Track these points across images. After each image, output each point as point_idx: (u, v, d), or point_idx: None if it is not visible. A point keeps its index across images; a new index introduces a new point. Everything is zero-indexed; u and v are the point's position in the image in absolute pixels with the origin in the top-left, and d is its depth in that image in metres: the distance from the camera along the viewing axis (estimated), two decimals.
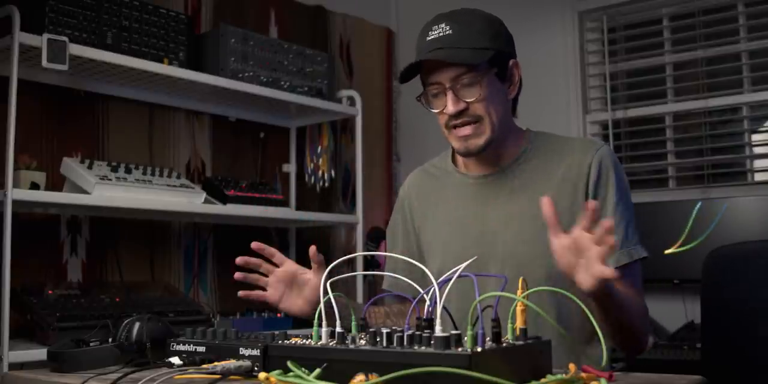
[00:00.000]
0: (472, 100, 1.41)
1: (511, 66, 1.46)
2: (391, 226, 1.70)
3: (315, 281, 1.43)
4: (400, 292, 1.57)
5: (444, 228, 1.54)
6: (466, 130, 1.43)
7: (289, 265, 1.48)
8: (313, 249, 1.43)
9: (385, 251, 1.73)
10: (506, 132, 1.49)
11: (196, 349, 1.12)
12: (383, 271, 1.71)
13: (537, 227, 1.44)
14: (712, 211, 2.83)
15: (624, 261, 1.40)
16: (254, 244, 1.49)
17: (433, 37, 1.42)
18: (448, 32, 1.40)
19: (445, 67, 1.41)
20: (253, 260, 1.48)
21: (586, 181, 1.45)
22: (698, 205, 1.18)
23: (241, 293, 1.44)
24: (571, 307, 1.41)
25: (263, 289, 1.48)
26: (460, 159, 1.60)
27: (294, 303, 1.46)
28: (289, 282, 1.47)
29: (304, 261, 1.48)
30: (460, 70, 1.40)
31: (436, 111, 1.45)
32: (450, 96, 1.41)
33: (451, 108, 1.41)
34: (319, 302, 1.43)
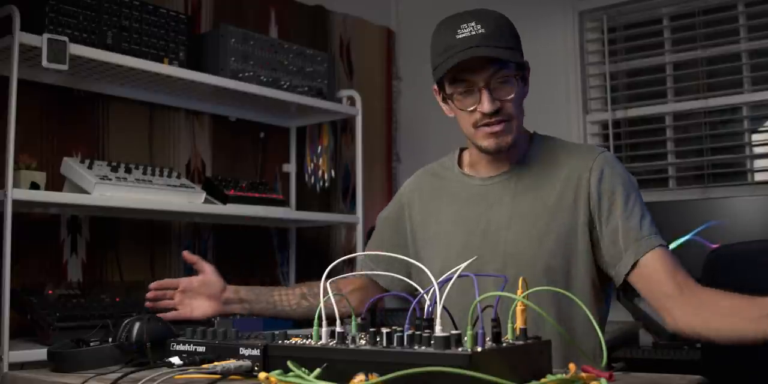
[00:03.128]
0: (507, 98, 1.41)
1: (528, 68, 1.48)
2: (384, 215, 1.71)
3: (209, 277, 1.59)
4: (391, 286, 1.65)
5: (447, 227, 1.55)
6: (499, 127, 1.43)
7: (194, 279, 1.61)
8: (185, 253, 1.62)
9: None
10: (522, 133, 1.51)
11: (196, 349, 1.12)
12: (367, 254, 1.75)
13: (539, 228, 1.45)
14: (712, 212, 2.83)
15: (642, 252, 1.38)
16: (185, 255, 1.64)
17: (464, 35, 1.40)
18: (481, 31, 1.39)
19: (480, 66, 1.39)
20: (160, 293, 1.60)
21: (587, 186, 1.45)
22: (708, 224, 1.24)
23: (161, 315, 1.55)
24: (572, 308, 1.41)
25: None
26: (465, 161, 1.60)
27: (199, 306, 1.59)
28: (194, 293, 1.60)
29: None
30: (495, 70, 1.39)
31: (468, 109, 1.43)
32: (486, 95, 1.40)
33: (488, 106, 1.40)
34: (220, 297, 1.59)
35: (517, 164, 1.52)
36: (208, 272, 1.61)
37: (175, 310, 1.57)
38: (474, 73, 1.40)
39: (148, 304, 1.57)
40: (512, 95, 1.41)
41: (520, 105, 1.46)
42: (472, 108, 1.42)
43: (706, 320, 1.30)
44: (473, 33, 1.39)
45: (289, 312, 1.66)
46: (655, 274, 1.37)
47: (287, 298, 1.66)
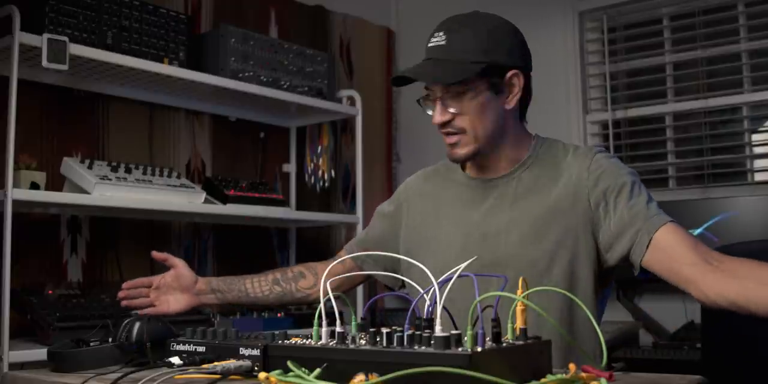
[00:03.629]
0: (455, 112, 1.43)
1: (509, 77, 1.45)
2: (380, 209, 1.73)
3: (180, 271, 1.61)
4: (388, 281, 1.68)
5: (447, 228, 1.55)
6: (451, 139, 1.46)
7: (167, 274, 1.63)
8: (153, 253, 1.63)
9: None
10: (503, 140, 1.50)
11: (196, 349, 1.12)
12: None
13: (539, 231, 1.45)
14: (712, 212, 2.83)
15: (654, 229, 1.36)
16: (154, 254, 1.65)
17: (431, 44, 1.44)
18: (441, 43, 1.42)
19: (431, 81, 1.44)
20: (134, 292, 1.62)
21: (586, 187, 1.45)
22: (718, 218, 1.22)
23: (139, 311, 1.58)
24: (575, 309, 1.41)
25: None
26: (469, 164, 1.60)
27: (176, 300, 1.61)
28: (168, 288, 1.62)
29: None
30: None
31: (430, 114, 1.48)
32: (438, 106, 1.44)
33: (436, 118, 1.44)
34: (193, 289, 1.61)
35: (519, 167, 1.52)
36: (180, 266, 1.63)
37: (153, 306, 1.60)
38: (431, 83, 1.45)
39: (123, 303, 1.60)
40: (461, 109, 1.42)
41: (489, 115, 1.45)
42: (431, 115, 1.47)
43: (744, 290, 1.21)
44: (435, 44, 1.43)
45: (263, 299, 1.68)
46: (673, 248, 1.33)
47: (259, 284, 1.68)
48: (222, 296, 1.65)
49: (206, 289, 1.64)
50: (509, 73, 1.45)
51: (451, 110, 1.43)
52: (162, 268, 1.65)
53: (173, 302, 1.61)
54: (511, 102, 1.47)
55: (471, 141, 1.45)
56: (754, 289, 1.21)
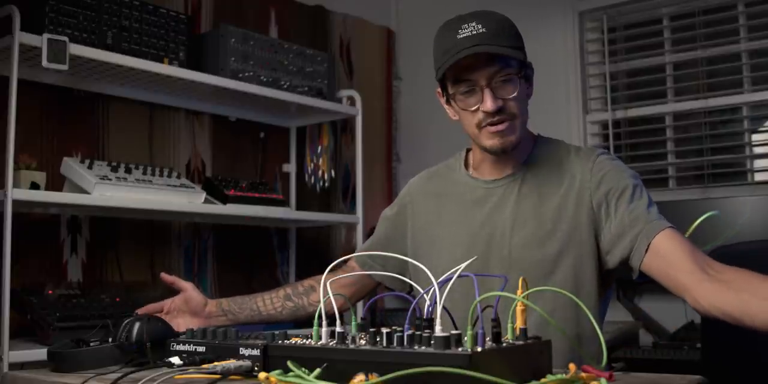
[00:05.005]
0: (510, 97, 1.41)
1: (532, 69, 1.47)
2: (386, 213, 1.72)
3: (189, 294, 1.61)
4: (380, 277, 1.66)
5: (451, 229, 1.55)
6: (503, 126, 1.42)
7: (176, 299, 1.63)
8: (162, 275, 1.63)
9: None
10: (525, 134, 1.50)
11: (196, 349, 1.12)
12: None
13: (543, 232, 1.45)
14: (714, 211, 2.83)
15: (653, 234, 1.35)
16: (162, 276, 1.65)
17: (465, 34, 1.39)
18: (482, 30, 1.38)
19: (482, 64, 1.39)
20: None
21: (588, 188, 1.45)
22: (712, 213, 1.22)
23: None
24: (579, 310, 1.40)
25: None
26: (471, 163, 1.60)
27: (185, 324, 1.58)
28: (177, 312, 1.62)
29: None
30: (497, 68, 1.39)
31: (471, 109, 1.43)
32: (488, 93, 1.39)
33: (490, 105, 1.39)
34: (203, 312, 1.60)
35: (522, 167, 1.52)
36: (189, 289, 1.61)
37: None
38: (476, 71, 1.39)
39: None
40: (515, 93, 1.40)
41: (524, 105, 1.45)
42: (474, 107, 1.42)
43: (739, 302, 1.20)
44: (474, 32, 1.38)
45: (276, 316, 1.66)
46: (671, 254, 1.33)
47: (271, 301, 1.66)
48: (234, 317, 1.64)
49: (217, 311, 1.63)
50: (532, 65, 1.47)
51: (506, 96, 1.40)
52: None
53: (183, 326, 1.58)
54: (531, 94, 1.49)
55: (518, 128, 1.44)
56: (749, 301, 1.19)
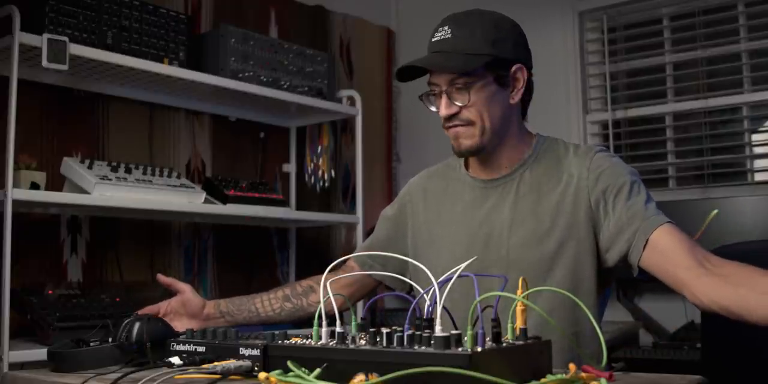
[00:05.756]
0: (462, 104, 1.43)
1: (514, 71, 1.46)
2: (385, 213, 1.72)
3: (187, 296, 1.60)
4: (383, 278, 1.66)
5: (450, 229, 1.55)
6: (457, 131, 1.46)
7: (173, 300, 1.61)
8: (158, 276, 1.63)
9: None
10: (507, 136, 1.50)
11: (196, 349, 1.12)
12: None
13: (541, 230, 1.45)
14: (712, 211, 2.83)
15: (651, 230, 1.35)
16: (159, 277, 1.65)
17: (435, 39, 1.44)
18: (447, 36, 1.43)
19: (442, 70, 1.43)
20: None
21: (586, 186, 1.45)
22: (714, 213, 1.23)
23: None
24: (579, 311, 1.40)
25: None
26: (471, 162, 1.60)
27: (182, 326, 1.55)
28: (175, 314, 1.60)
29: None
30: (455, 75, 1.42)
31: (434, 111, 1.48)
32: (444, 99, 1.44)
33: (443, 111, 1.45)
34: (201, 314, 1.59)
35: (520, 166, 1.52)
36: (186, 291, 1.61)
37: None
38: (437, 76, 1.45)
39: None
40: (469, 101, 1.42)
41: (495, 108, 1.45)
42: (436, 110, 1.47)
43: (737, 297, 1.20)
44: (441, 38, 1.43)
45: (274, 317, 1.66)
46: (670, 250, 1.32)
47: (269, 303, 1.65)
48: (232, 319, 1.63)
49: (215, 313, 1.62)
50: (514, 67, 1.46)
51: (458, 103, 1.43)
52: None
53: (180, 328, 1.56)
54: (516, 97, 1.48)
55: (477, 133, 1.45)
56: (747, 296, 1.19)
